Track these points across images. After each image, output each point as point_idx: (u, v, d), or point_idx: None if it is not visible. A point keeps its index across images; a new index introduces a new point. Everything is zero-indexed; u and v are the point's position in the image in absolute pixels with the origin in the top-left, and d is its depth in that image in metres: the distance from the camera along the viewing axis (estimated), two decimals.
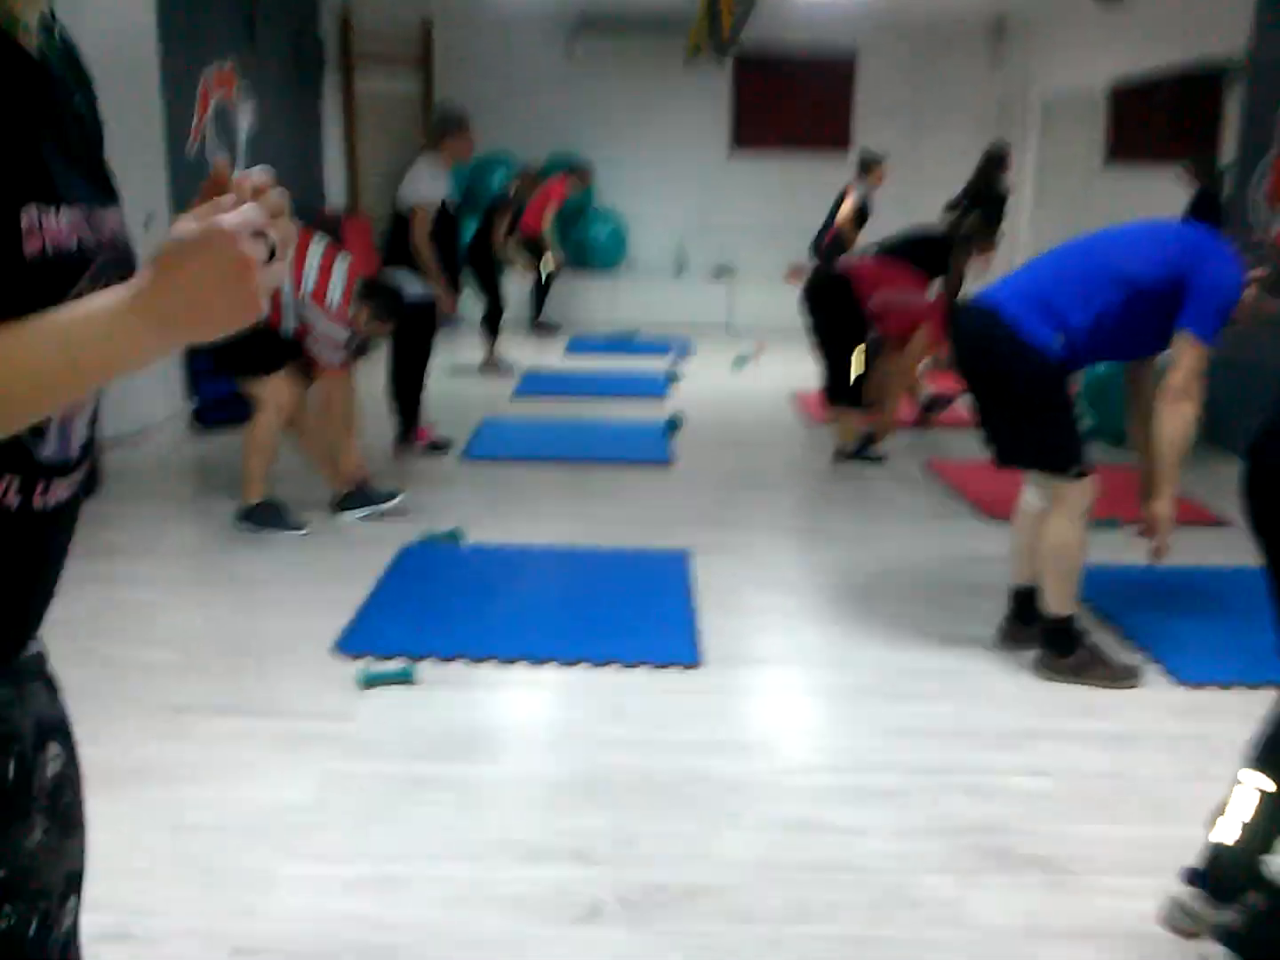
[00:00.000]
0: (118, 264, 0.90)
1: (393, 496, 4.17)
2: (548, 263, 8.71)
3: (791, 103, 10.27)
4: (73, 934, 1.05)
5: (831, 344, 5.24)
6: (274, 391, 3.88)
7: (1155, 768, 2.55)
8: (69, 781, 1.02)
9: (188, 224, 0.78)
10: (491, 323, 7.43)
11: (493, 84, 9.97)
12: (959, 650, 3.16)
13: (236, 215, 0.79)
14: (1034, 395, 2.89)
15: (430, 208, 5.14)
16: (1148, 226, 3.03)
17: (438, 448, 5.23)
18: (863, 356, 5.19)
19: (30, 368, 0.78)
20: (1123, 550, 4.00)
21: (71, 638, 3.03)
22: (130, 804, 2.27)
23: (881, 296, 5.04)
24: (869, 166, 7.89)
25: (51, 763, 0.99)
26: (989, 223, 5.85)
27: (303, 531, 3.93)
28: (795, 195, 9.80)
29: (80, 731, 2.51)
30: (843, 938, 1.96)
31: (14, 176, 0.80)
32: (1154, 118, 7.71)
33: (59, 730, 1.03)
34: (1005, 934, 1.97)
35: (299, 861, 2.09)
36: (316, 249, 3.96)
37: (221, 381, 5.03)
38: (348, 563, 3.68)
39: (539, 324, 9.21)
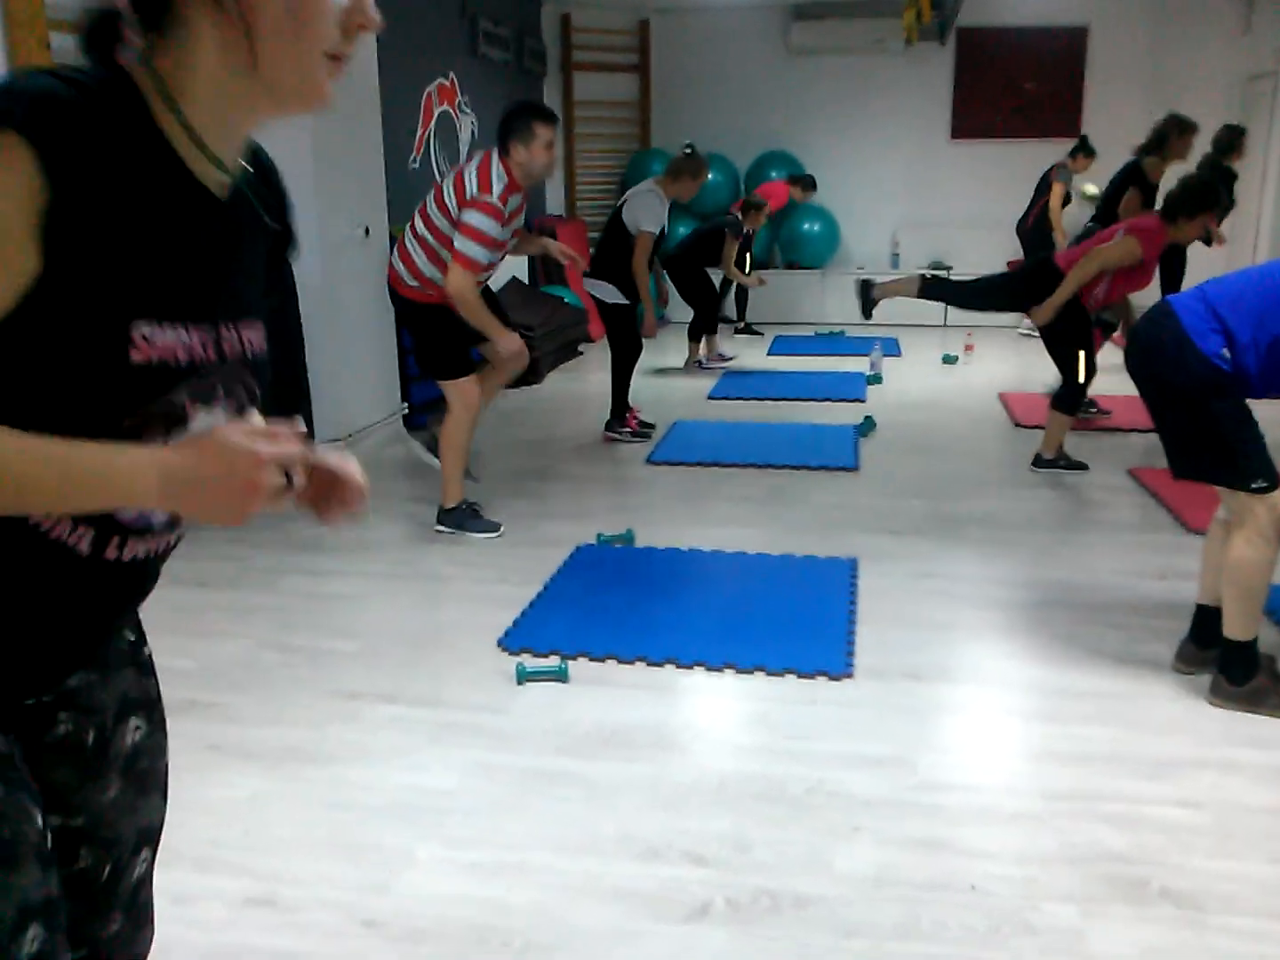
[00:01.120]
0: (240, 377, 1.05)
1: (494, 528, 4.19)
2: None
3: (1017, 85, 9.87)
4: (144, 880, 1.22)
5: (1053, 344, 4.98)
6: (462, 393, 4.10)
7: None
8: (148, 750, 1.20)
9: (237, 434, 0.90)
10: (697, 331, 7.62)
11: (707, 83, 10.10)
12: (1130, 672, 3.03)
13: (276, 448, 0.91)
14: (1202, 401, 2.74)
15: (652, 238, 5.56)
16: None
17: (644, 429, 5.76)
18: (1087, 362, 4.90)
19: (17, 474, 0.86)
20: None
21: (266, 625, 3.35)
22: (291, 780, 2.50)
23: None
24: (1076, 154, 7.74)
25: (131, 734, 1.18)
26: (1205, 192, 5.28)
27: (497, 533, 4.15)
28: (1017, 184, 9.42)
29: (263, 711, 2.79)
30: (950, 958, 1.94)
31: (131, 297, 0.92)
32: None
33: (143, 706, 1.21)
34: None
35: (433, 844, 2.25)
36: None
37: (430, 385, 5.40)
38: (528, 561, 3.86)
39: (742, 327, 9.27)
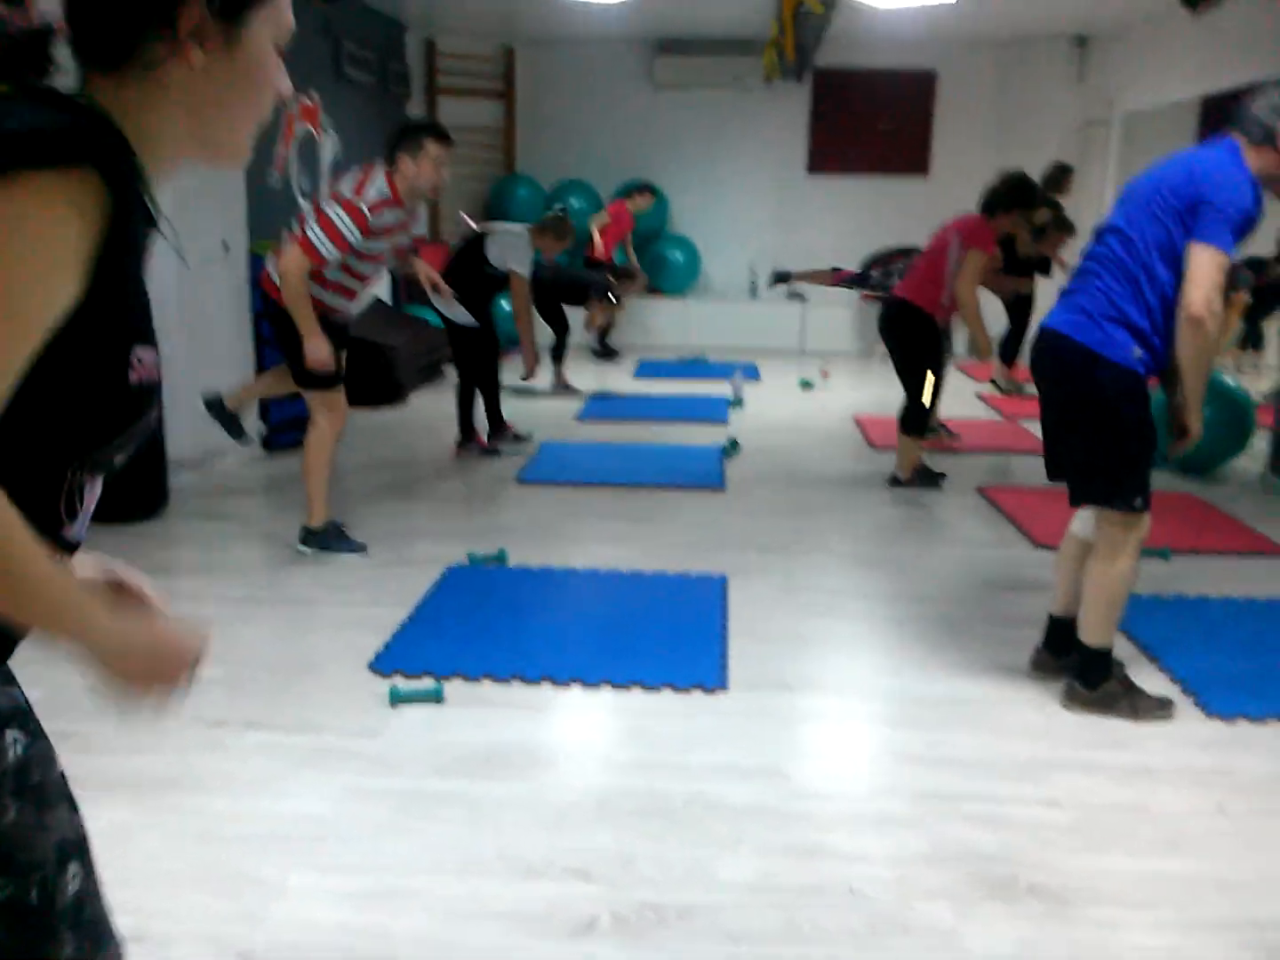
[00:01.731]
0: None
1: (360, 548, 4.14)
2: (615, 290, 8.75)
3: (870, 123, 10.25)
4: (84, 895, 1.13)
5: (906, 370, 5.17)
6: (327, 404, 4.01)
7: (1174, 801, 2.52)
8: (35, 761, 1.09)
9: (176, 632, 1.11)
10: (557, 351, 7.65)
11: (571, 111, 10.18)
12: (989, 680, 3.15)
13: (196, 646, 1.11)
14: (1118, 411, 2.81)
15: (524, 282, 5.76)
16: (1154, 182, 2.81)
17: (519, 439, 5.95)
18: (931, 385, 5.16)
19: (31, 597, 0.95)
20: (1171, 581, 3.95)
21: None
22: (155, 811, 2.40)
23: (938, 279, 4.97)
24: None
25: (11, 748, 1.06)
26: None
27: (363, 553, 4.07)
28: (872, 217, 9.83)
29: (120, 742, 2.66)
30: None
31: (133, 322, 0.99)
32: None
33: (15, 717, 1.09)
34: None
35: (309, 872, 2.18)
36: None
37: (288, 404, 5.28)
38: (398, 582, 3.80)
39: (603, 350, 9.31)
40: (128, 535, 4.27)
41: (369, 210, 3.82)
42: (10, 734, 1.05)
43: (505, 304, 7.23)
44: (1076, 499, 2.99)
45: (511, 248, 5.70)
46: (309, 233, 3.79)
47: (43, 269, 0.88)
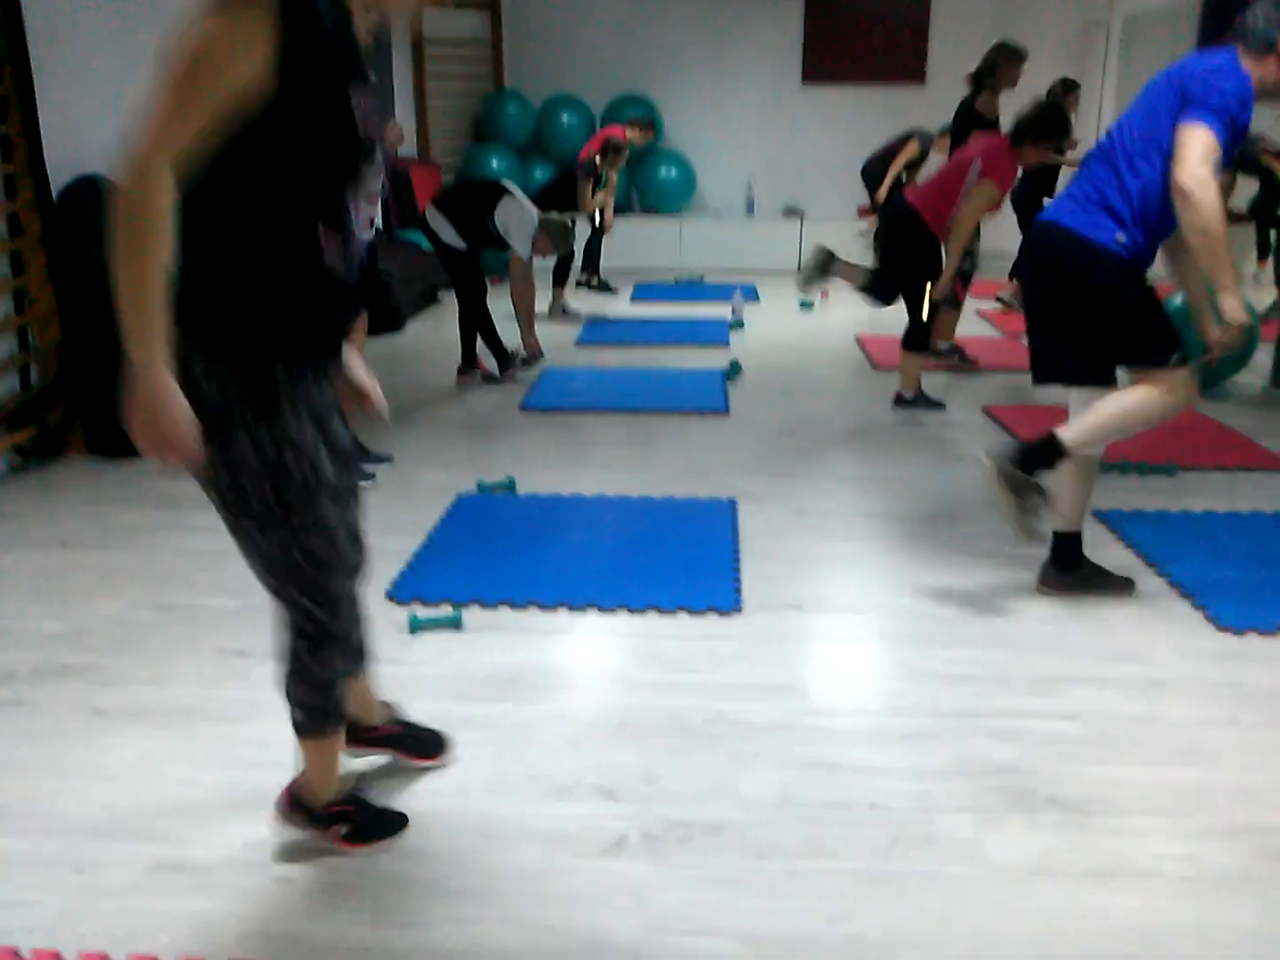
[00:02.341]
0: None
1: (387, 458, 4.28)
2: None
3: (865, 31, 10.03)
4: (358, 521, 1.89)
5: (905, 284, 5.10)
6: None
7: (1187, 712, 2.56)
8: (346, 436, 1.85)
9: (169, 410, 1.53)
10: (559, 273, 7.55)
11: (561, 22, 9.95)
12: (1000, 596, 3.18)
13: (172, 429, 1.55)
14: (1116, 294, 2.87)
15: (525, 265, 5.88)
16: (1155, 84, 2.88)
17: (529, 361, 6.00)
18: (930, 297, 5.08)
19: (138, 290, 1.46)
20: (1177, 496, 3.97)
21: (138, 584, 3.22)
22: (183, 740, 2.43)
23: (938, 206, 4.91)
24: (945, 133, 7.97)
25: (336, 426, 1.81)
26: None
27: (370, 479, 4.06)
28: (868, 129, 9.65)
29: (143, 673, 2.69)
30: (856, 872, 2.02)
31: (335, 69, 1.54)
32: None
33: (339, 411, 1.82)
34: (1016, 872, 2.02)
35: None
36: None
37: None
38: (408, 512, 3.80)
39: (595, 284, 8.88)
40: (135, 470, 4.26)
41: None
42: (322, 453, 1.72)
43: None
44: (1080, 379, 3.03)
45: (518, 224, 5.63)
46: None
47: (231, 66, 1.43)
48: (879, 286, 5.22)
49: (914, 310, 5.11)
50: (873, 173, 8.44)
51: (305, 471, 1.67)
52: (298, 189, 1.54)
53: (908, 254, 5.05)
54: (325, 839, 2.07)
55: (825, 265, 5.25)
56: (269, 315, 1.60)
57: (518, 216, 5.62)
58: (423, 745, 2.33)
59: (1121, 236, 2.84)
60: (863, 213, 9.50)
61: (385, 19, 1.70)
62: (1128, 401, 2.93)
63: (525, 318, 6.08)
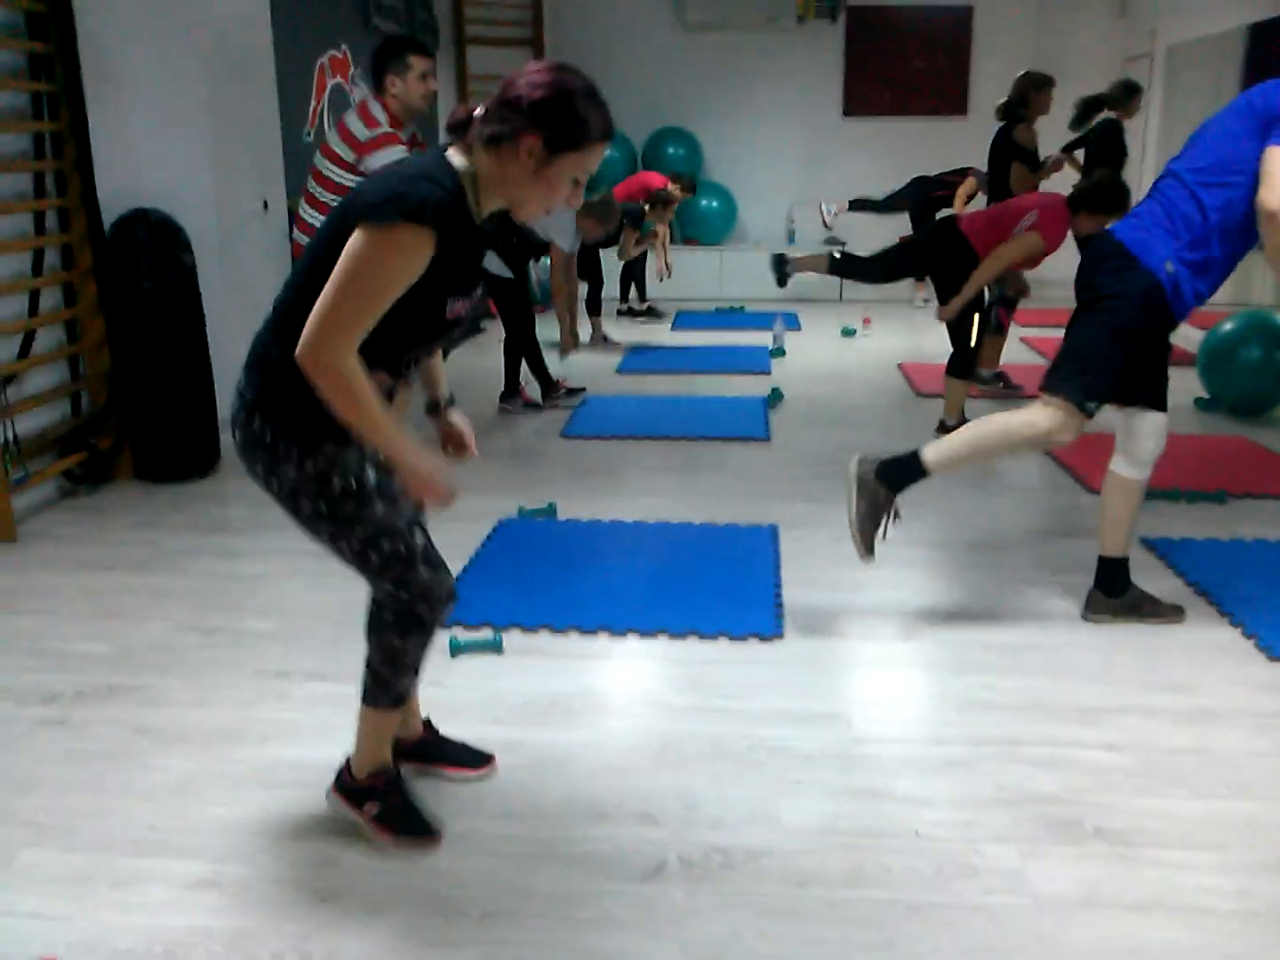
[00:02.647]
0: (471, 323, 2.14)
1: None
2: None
3: (905, 63, 10.07)
4: (429, 546, 2.07)
5: (945, 297, 5.02)
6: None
7: (1237, 744, 2.50)
8: (386, 478, 1.97)
9: (424, 467, 1.87)
10: (593, 304, 7.63)
11: (601, 57, 10.01)
12: (1045, 625, 3.14)
13: (432, 478, 1.88)
14: (1124, 314, 2.84)
15: (564, 256, 6.06)
16: (1229, 111, 2.84)
17: (573, 392, 5.97)
18: (979, 325, 5.08)
19: (366, 422, 1.79)
20: (1228, 524, 3.91)
21: (182, 607, 3.25)
22: (224, 761, 2.44)
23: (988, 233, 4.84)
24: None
25: (370, 473, 1.95)
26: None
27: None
28: (910, 161, 9.64)
29: (185, 695, 2.71)
30: (898, 902, 1.99)
31: (449, 284, 1.83)
32: None
33: (366, 461, 1.95)
34: (1061, 903, 1.98)
35: (332, 797, 2.22)
36: None
37: None
38: (451, 535, 3.75)
39: (644, 309, 8.95)
40: (182, 494, 4.32)
41: (392, 128, 3.89)
42: (369, 469, 1.94)
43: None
44: (1044, 383, 3.00)
45: (555, 223, 5.79)
46: (371, 164, 3.83)
47: (400, 276, 1.74)
48: (870, 269, 5.28)
49: (959, 337, 5.09)
50: (916, 189, 8.42)
51: (349, 481, 1.90)
52: (373, 343, 1.79)
53: (954, 279, 4.96)
54: (360, 819, 2.15)
55: (781, 266, 5.54)
56: (325, 415, 1.83)
57: (552, 219, 5.77)
58: (462, 757, 2.38)
59: (1171, 266, 2.79)
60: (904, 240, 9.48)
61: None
62: (997, 423, 2.95)
63: (567, 310, 6.23)
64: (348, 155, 3.94)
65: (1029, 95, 6.06)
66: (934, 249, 5.12)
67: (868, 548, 3.02)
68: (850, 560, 3.62)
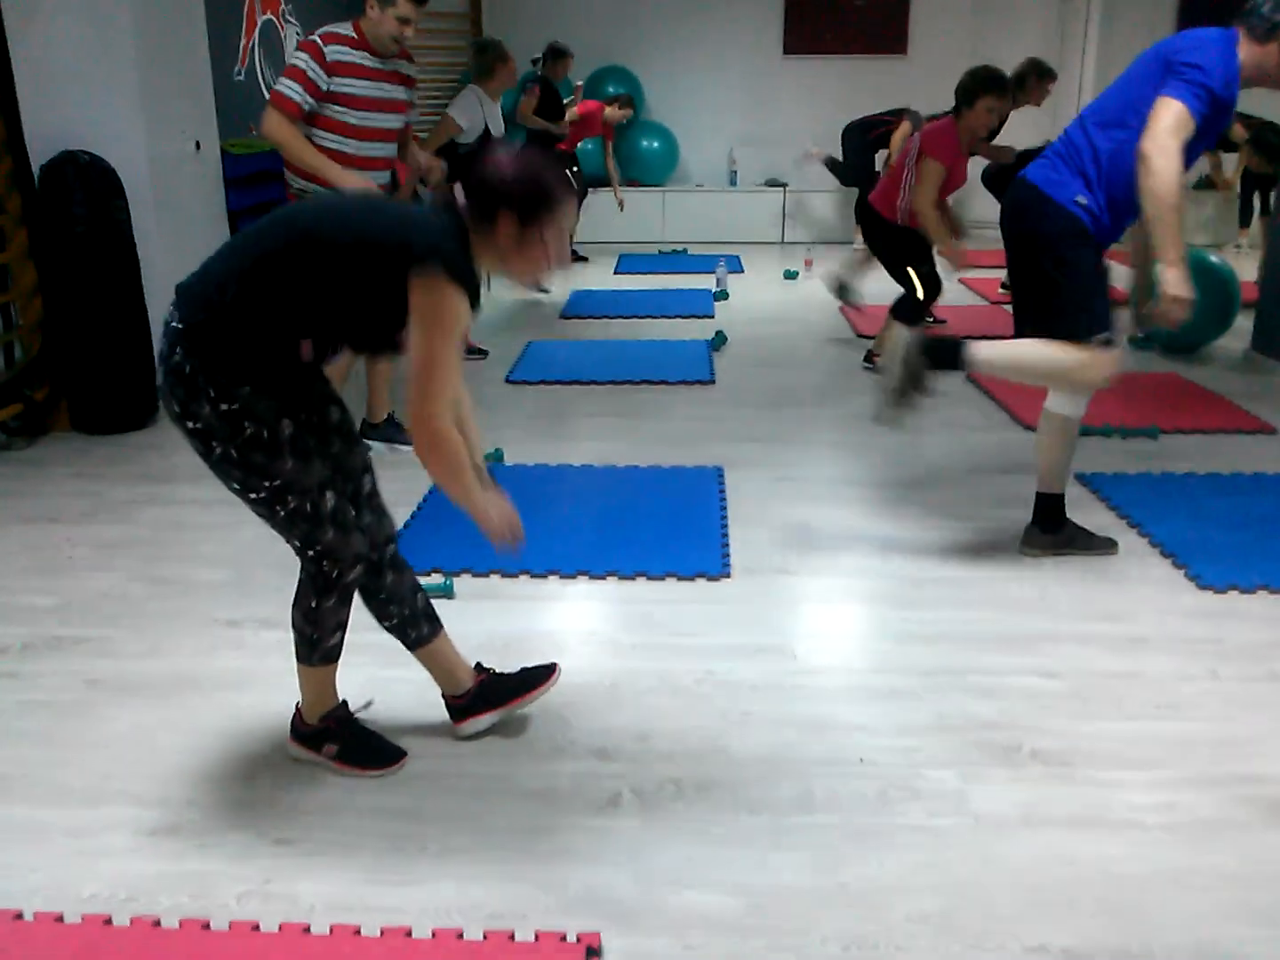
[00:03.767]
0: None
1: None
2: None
3: (845, 3, 10.01)
4: (373, 490, 2.26)
5: (891, 273, 5.28)
6: None
7: (1167, 668, 2.61)
8: (346, 422, 2.18)
9: (490, 510, 2.08)
10: None
11: None
12: (982, 559, 3.22)
13: (500, 519, 2.10)
14: (1060, 250, 2.89)
15: (453, 123, 5.75)
16: (1143, 55, 2.89)
17: (477, 352, 5.68)
18: (923, 276, 5.14)
19: (457, 483, 2.01)
20: (1160, 459, 4.02)
21: (129, 558, 3.23)
22: (179, 710, 2.45)
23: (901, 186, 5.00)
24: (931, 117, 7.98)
25: (334, 414, 2.15)
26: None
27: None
28: (850, 101, 9.61)
29: (140, 644, 2.71)
30: (844, 826, 2.06)
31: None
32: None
33: (335, 401, 2.16)
34: (1000, 822, 2.07)
35: (291, 746, 2.25)
36: None
37: None
38: (397, 482, 3.77)
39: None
40: (123, 445, 4.26)
41: (322, 40, 3.66)
42: (284, 422, 1.97)
43: None
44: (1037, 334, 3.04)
45: (456, 102, 5.82)
46: (275, 86, 3.66)
47: (459, 322, 1.91)
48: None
49: (906, 287, 5.18)
50: (850, 138, 8.40)
51: (260, 430, 1.94)
52: (324, 326, 1.98)
53: (874, 239, 5.28)
54: (322, 760, 2.22)
55: (844, 294, 5.78)
56: (259, 372, 1.96)
57: (457, 100, 5.81)
58: (522, 682, 2.38)
59: (1083, 199, 2.86)
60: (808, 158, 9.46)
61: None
62: (1049, 351, 2.94)
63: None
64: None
65: (1028, 80, 6.14)
66: (866, 233, 5.37)
67: (893, 418, 3.05)
68: (794, 499, 3.70)
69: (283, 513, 2.01)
